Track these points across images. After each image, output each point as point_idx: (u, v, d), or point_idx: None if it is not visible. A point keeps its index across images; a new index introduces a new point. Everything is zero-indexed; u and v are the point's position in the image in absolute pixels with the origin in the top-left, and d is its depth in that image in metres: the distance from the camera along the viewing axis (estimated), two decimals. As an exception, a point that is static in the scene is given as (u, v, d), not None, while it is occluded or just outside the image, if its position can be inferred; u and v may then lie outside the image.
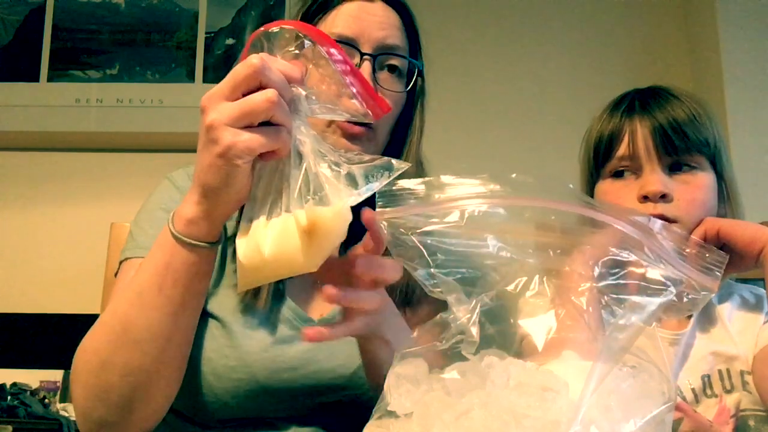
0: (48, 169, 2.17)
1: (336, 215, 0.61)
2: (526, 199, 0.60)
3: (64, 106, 2.13)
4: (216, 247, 0.70)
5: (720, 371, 0.91)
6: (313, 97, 0.66)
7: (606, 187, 0.97)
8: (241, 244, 0.64)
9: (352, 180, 0.63)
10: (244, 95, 0.62)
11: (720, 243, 0.89)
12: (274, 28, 0.66)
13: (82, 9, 2.21)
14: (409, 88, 0.96)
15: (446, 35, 2.22)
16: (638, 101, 0.97)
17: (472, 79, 2.24)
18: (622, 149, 0.95)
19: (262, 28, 0.67)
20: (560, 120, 2.14)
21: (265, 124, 0.63)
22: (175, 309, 0.70)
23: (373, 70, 0.91)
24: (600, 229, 0.59)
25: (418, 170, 0.98)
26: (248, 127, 0.62)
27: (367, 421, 0.61)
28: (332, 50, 0.67)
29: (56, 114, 2.12)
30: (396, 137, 0.98)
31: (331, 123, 0.90)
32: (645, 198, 0.92)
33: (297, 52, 0.66)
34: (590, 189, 1.01)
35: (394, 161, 0.64)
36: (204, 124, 0.63)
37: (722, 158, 0.96)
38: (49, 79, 2.15)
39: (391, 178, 0.63)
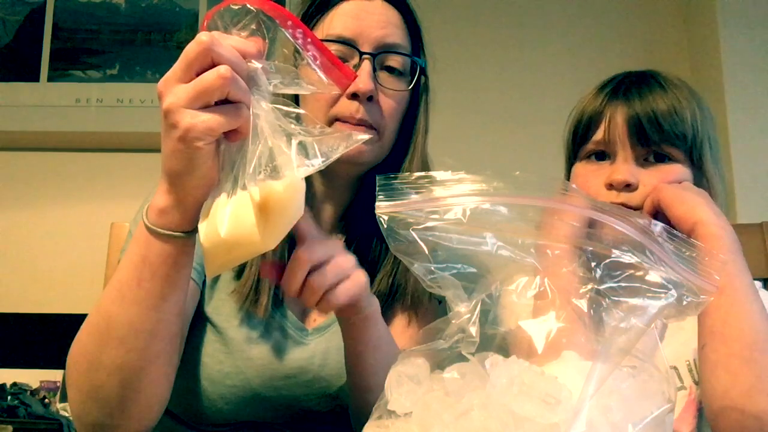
0: (48, 169, 2.17)
1: (287, 188, 0.59)
2: (529, 198, 0.59)
3: (64, 106, 2.13)
4: (192, 236, 0.67)
5: (688, 362, 0.88)
6: (274, 71, 0.63)
7: (579, 169, 0.97)
8: (202, 227, 0.62)
9: (305, 150, 0.60)
10: (198, 75, 0.60)
11: (660, 210, 0.88)
12: (224, 6, 0.64)
13: (82, 9, 2.21)
14: (411, 86, 0.94)
15: (444, 33, 2.22)
16: (624, 86, 0.97)
17: (470, 79, 2.24)
18: (599, 134, 0.95)
19: (213, 9, 0.65)
20: (559, 119, 2.14)
21: (225, 103, 0.61)
22: (155, 302, 0.68)
23: (374, 69, 0.89)
24: (601, 230, 0.59)
25: (424, 170, 0.97)
26: (207, 107, 0.60)
27: (360, 429, 0.60)
28: (289, 22, 0.64)
29: (56, 114, 2.12)
30: (401, 138, 0.96)
31: (330, 124, 0.89)
32: (610, 186, 0.92)
33: (253, 27, 0.63)
34: (569, 168, 1.01)
35: (354, 133, 0.62)
36: (162, 110, 0.61)
37: (703, 153, 0.94)
38: (49, 79, 2.16)
39: (347, 150, 0.61)
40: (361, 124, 0.89)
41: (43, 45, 2.18)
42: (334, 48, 0.89)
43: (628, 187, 0.91)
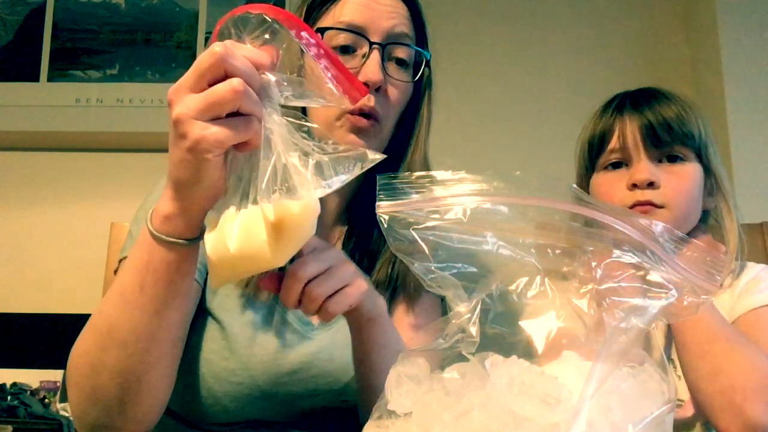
0: (48, 169, 2.16)
1: (304, 209, 0.58)
2: (529, 198, 0.59)
3: (64, 106, 2.13)
4: (196, 243, 0.67)
5: None
6: (286, 83, 0.62)
7: (599, 179, 1.05)
8: (209, 239, 0.62)
9: (321, 170, 0.60)
10: (210, 85, 0.59)
11: None
12: (239, 13, 0.63)
13: (82, 9, 2.21)
14: (416, 78, 0.95)
15: (445, 32, 2.22)
16: (629, 100, 1.05)
17: (471, 79, 2.24)
18: (613, 143, 1.02)
19: (228, 15, 0.64)
20: (559, 121, 2.14)
21: (236, 114, 0.60)
22: (157, 308, 0.68)
23: (382, 60, 0.90)
24: (602, 230, 0.59)
25: (425, 165, 0.98)
26: (217, 119, 0.59)
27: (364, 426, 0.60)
28: (303, 33, 0.63)
29: (56, 114, 2.12)
30: (403, 130, 0.97)
31: (340, 117, 0.89)
32: (634, 186, 0.98)
33: (267, 37, 0.62)
34: (585, 184, 1.07)
35: (368, 153, 0.62)
36: (171, 118, 0.60)
37: (709, 153, 1.02)
38: (49, 79, 2.15)
39: (363, 170, 0.61)
40: (370, 114, 0.90)
41: (43, 45, 2.18)
42: (343, 36, 0.90)
43: (651, 185, 0.98)
